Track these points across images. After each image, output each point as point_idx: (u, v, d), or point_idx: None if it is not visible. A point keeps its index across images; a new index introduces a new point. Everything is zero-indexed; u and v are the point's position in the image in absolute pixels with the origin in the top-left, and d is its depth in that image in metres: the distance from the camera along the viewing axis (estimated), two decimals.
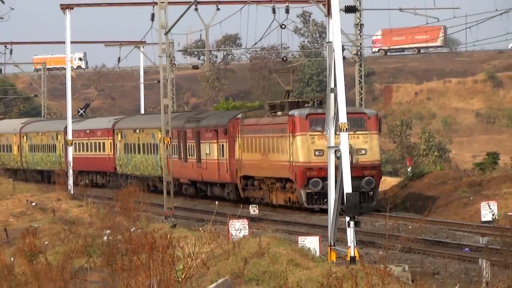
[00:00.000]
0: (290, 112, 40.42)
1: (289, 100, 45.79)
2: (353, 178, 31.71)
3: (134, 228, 35.84)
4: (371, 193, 38.28)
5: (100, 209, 50.22)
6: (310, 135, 36.60)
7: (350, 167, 27.04)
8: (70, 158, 67.94)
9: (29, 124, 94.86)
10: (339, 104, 27.32)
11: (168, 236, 22.42)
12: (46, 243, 35.01)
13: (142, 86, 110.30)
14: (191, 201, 63.14)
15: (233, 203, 48.50)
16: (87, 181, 71.36)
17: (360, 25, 56.34)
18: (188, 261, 21.10)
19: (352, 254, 26.08)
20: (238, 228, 32.42)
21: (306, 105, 43.54)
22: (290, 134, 38.96)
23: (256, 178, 47.92)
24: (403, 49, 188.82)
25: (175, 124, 57.64)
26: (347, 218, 26.71)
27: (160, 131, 56.17)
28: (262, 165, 45.30)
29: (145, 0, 64.65)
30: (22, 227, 41.03)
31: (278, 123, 42.91)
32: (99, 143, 74.40)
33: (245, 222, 35.20)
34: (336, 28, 26.92)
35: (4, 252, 29.18)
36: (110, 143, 72.16)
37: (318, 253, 29.10)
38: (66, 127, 71.44)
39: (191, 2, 53.01)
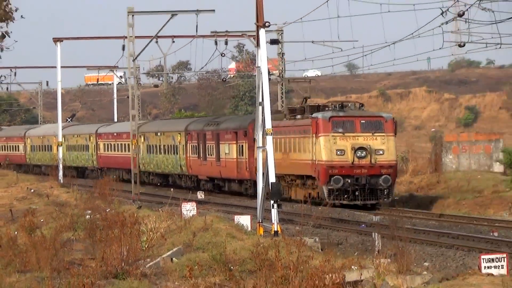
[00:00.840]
0: (314, 115, 41.79)
1: (310, 105, 47.58)
2: (371, 176, 35.57)
3: (109, 209, 42.70)
4: (387, 190, 39.41)
5: (83, 194, 59.13)
6: (333, 136, 37.71)
7: (369, 167, 33.53)
8: (60, 155, 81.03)
9: (67, 128, 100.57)
10: (265, 114, 34.84)
11: (135, 215, 29.36)
12: (42, 220, 41.99)
13: (115, 100, 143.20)
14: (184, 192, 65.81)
15: (250, 197, 51.12)
16: (114, 176, 74.91)
17: (282, 53, 77.94)
18: (150, 234, 28.78)
19: (276, 229, 34.32)
20: (189, 209, 39.88)
21: (326, 108, 45.21)
22: (314, 135, 40.23)
23: (276, 175, 48.81)
24: None
25: (195, 127, 66.24)
26: (272, 202, 34.57)
27: (180, 134, 67.39)
28: (282, 163, 45.35)
29: (118, 34, 78.33)
30: (23, 208, 49.31)
31: (301, 125, 44.55)
32: (125, 144, 79.01)
33: (193, 204, 43.55)
34: (263, 56, 35.79)
35: (9, 227, 35.97)
36: (135, 144, 71.60)
37: (249, 228, 36.63)
38: (97, 130, 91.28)
39: (153, 36, 68.26)
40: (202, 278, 21.63)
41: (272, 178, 36.27)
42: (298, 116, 47.80)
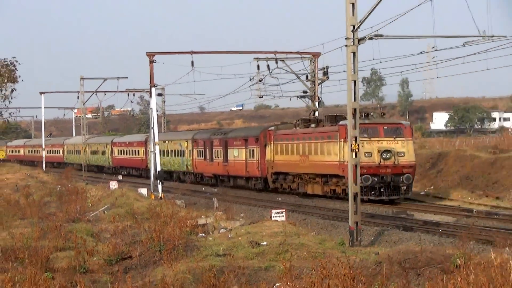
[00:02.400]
0: (341, 122, 43.97)
1: (329, 114, 52.92)
2: (394, 175, 38.60)
3: (70, 185, 73.19)
4: (407, 187, 42.58)
5: (56, 177, 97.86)
6: (360, 140, 37.13)
7: (393, 167, 37.31)
8: (43, 155, 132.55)
9: (90, 139, 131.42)
10: (154, 133, 65.12)
11: (84, 188, 63.74)
12: (33, 191, 70.27)
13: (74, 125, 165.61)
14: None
15: (258, 191, 58.86)
16: (125, 172, 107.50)
17: (163, 101, 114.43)
18: (92, 198, 55.58)
19: (160, 196, 59.17)
20: (113, 185, 66.51)
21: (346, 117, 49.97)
22: (342, 139, 42.60)
23: (291, 173, 55.89)
24: None
25: (201, 137, 78.61)
26: (158, 180, 61.86)
27: (187, 141, 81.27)
28: (300, 164, 52.14)
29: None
30: (23, 184, 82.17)
31: (324, 131, 48.81)
32: (136, 150, 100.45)
33: (115, 182, 69.63)
34: (153, 103, 67.01)
35: (15, 195, 64.33)
36: (143, 150, 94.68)
37: (146, 195, 61.59)
38: (112, 140, 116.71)
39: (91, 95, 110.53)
40: (120, 222, 39.75)
41: (158, 168, 64.35)
42: (313, 125, 54.19)
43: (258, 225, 36.59)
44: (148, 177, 77.10)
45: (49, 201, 58.17)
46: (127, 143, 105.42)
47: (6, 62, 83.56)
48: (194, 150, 75.31)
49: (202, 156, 72.46)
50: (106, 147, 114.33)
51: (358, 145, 36.03)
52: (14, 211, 48.05)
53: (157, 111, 74.26)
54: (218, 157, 68.45)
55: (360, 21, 33.00)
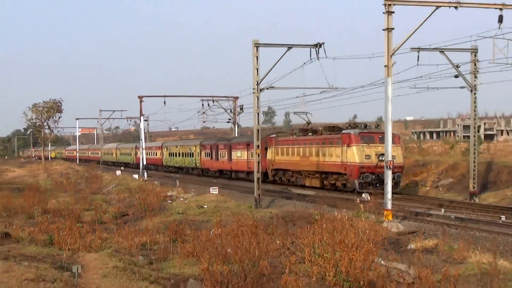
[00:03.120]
0: (345, 131, 48.89)
1: (327, 125, 59.43)
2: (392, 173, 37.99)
3: (93, 172, 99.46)
4: (396, 183, 46.03)
5: (85, 168, 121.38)
6: (362, 145, 44.82)
7: (388, 168, 37.16)
8: (77, 155, 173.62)
9: (120, 144, 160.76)
10: (142, 143, 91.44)
11: (102, 175, 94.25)
12: (71, 176, 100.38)
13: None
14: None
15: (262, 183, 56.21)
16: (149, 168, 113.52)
17: (148, 124, 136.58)
18: (106, 180, 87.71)
19: (146, 179, 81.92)
20: (118, 173, 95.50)
21: (347, 126, 53.59)
22: (345, 145, 47.08)
23: (291, 170, 61.60)
24: None
25: (207, 142, 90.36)
26: (145, 170, 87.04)
27: (195, 146, 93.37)
28: (300, 163, 57.75)
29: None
30: (65, 172, 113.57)
31: (327, 138, 53.40)
32: (155, 152, 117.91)
33: (119, 170, 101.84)
34: (141, 125, 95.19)
35: (60, 178, 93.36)
36: (160, 152, 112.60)
37: (138, 178, 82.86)
38: (136, 146, 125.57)
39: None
40: (122, 194, 59.72)
41: (145, 163, 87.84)
42: (310, 133, 59.93)
43: (202, 196, 51.91)
44: (163, 170, 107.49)
45: (80, 182, 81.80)
46: (148, 148, 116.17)
47: (56, 101, 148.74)
48: (202, 152, 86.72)
49: (209, 157, 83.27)
50: (132, 150, 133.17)
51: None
52: (59, 187, 71.13)
53: (144, 130, 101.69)
54: (223, 157, 78.09)
55: (261, 79, 46.52)
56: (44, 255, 21.89)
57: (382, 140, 41.63)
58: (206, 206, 44.37)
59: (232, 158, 74.47)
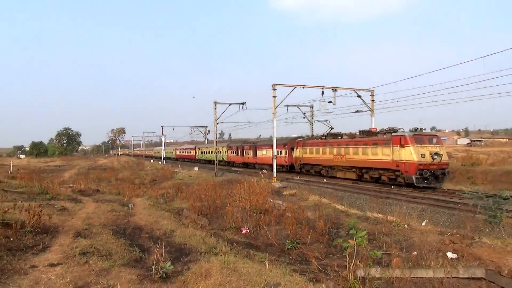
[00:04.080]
0: (398, 133, 30.36)
1: (360, 130, 35.29)
2: (439, 169, 27.83)
3: (139, 161, 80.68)
4: (445, 177, 29.00)
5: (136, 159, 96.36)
6: (417, 146, 28.27)
7: (437, 164, 28.07)
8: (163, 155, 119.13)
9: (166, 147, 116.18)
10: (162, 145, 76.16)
11: (144, 162, 67.48)
12: (130, 163, 75.34)
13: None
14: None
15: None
16: (183, 161, 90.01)
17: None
18: (147, 164, 62.22)
19: (164, 163, 67.77)
20: (152, 161, 73.71)
21: (385, 130, 32.65)
22: (398, 145, 29.24)
23: (320, 165, 38.69)
24: None
25: (234, 144, 63.77)
26: (165, 160, 73.38)
27: (223, 147, 65.28)
28: (334, 160, 36.08)
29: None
30: (126, 161, 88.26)
31: (379, 139, 31.41)
32: (190, 151, 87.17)
33: (152, 160, 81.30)
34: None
35: (124, 164, 71.49)
36: (194, 151, 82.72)
37: (162, 164, 64.78)
38: (176, 147, 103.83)
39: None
40: (153, 170, 52.45)
41: (164, 156, 76.26)
42: (345, 136, 36.75)
43: (190, 172, 48.50)
44: (195, 163, 75.70)
45: (133, 165, 69.20)
46: (184, 147, 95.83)
47: (122, 128, 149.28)
48: (228, 151, 63.18)
49: (235, 154, 60.30)
50: (172, 150, 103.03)
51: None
52: (124, 168, 62.69)
53: (163, 140, 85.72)
54: (248, 155, 55.37)
55: (218, 118, 44.12)
56: (115, 199, 21.40)
57: (430, 141, 28.90)
58: (192, 176, 43.04)
59: (257, 155, 52.90)
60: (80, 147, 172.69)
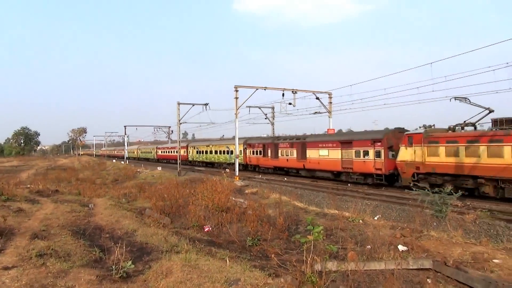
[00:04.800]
0: None
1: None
2: None
3: (102, 161, 74.98)
4: None
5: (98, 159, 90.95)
6: None
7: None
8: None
9: (141, 146, 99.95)
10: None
11: (136, 170, 50.49)
12: (91, 163, 71.60)
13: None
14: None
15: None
16: (166, 162, 74.19)
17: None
18: (109, 164, 57.11)
19: (127, 163, 57.74)
20: (159, 170, 56.89)
21: None
22: None
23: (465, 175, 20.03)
24: None
25: (265, 141, 42.68)
26: (127, 160, 55.51)
27: (240, 145, 44.36)
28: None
29: None
30: (88, 161, 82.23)
31: None
32: (172, 150, 68.69)
33: (114, 160, 74.43)
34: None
35: (85, 164, 67.16)
36: (186, 150, 60.36)
37: (124, 164, 57.59)
38: (157, 146, 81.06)
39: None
40: (115, 170, 49.37)
41: (126, 155, 65.29)
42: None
43: (153, 172, 45.80)
44: (186, 165, 57.67)
45: (95, 165, 65.80)
46: (169, 146, 73.31)
47: (83, 128, 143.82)
48: (247, 149, 43.83)
49: (259, 154, 41.79)
50: (153, 149, 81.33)
51: (181, 150, 46.32)
52: (84, 168, 59.42)
53: (126, 140, 77.05)
54: (287, 155, 36.25)
55: (181, 118, 42.74)
56: (75, 199, 20.76)
57: None
58: (155, 175, 41.51)
59: (308, 156, 34.34)
60: (38, 147, 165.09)
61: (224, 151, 50.25)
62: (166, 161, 71.28)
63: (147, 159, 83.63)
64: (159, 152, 76.44)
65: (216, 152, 52.25)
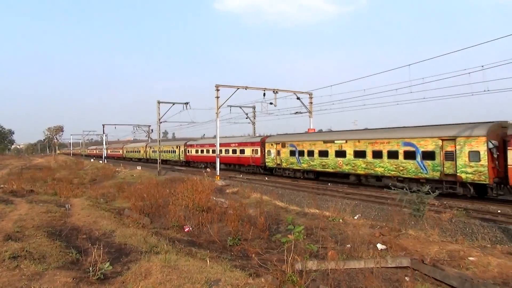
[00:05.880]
0: None
1: None
2: None
3: (79, 160, 72.93)
4: None
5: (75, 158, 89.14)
6: None
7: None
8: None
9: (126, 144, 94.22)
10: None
11: (116, 170, 49.68)
12: (68, 162, 66.86)
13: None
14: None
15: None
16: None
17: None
18: (86, 164, 56.43)
19: (105, 162, 53.72)
20: (138, 168, 58.00)
21: None
22: None
23: None
24: None
25: (195, 142, 52.39)
26: (105, 160, 55.05)
27: (178, 146, 55.74)
28: None
29: None
30: (64, 160, 77.84)
31: None
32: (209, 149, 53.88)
33: (92, 159, 76.03)
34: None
35: (62, 163, 64.29)
36: (182, 149, 55.10)
37: (103, 163, 56.33)
38: (146, 144, 73.60)
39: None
40: (92, 170, 48.54)
41: (105, 155, 61.72)
42: None
43: (133, 171, 45.31)
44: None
45: (72, 165, 61.98)
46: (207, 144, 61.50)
47: (59, 127, 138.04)
48: (186, 149, 48.31)
49: (193, 153, 46.42)
50: (177, 148, 60.28)
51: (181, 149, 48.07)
52: (61, 167, 55.36)
53: (104, 139, 75.54)
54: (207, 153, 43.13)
55: (161, 117, 42.47)
56: (51, 200, 20.30)
57: None
58: (134, 175, 40.78)
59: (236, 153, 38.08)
60: (13, 146, 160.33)
61: (170, 151, 58.87)
62: (204, 165, 48.65)
63: (165, 161, 59.81)
64: (192, 152, 52.71)
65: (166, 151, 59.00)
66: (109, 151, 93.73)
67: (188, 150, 53.69)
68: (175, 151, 57.83)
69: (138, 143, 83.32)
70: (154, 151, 65.98)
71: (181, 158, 55.90)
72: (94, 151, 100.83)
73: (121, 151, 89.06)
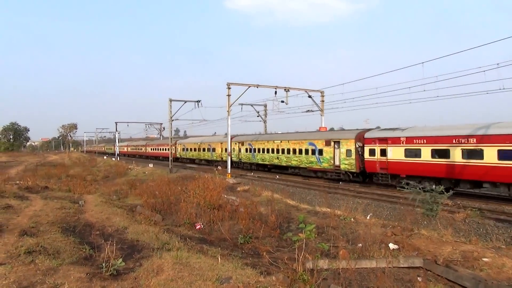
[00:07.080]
0: None
1: None
2: None
3: (92, 158, 72.22)
4: None
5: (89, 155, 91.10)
6: None
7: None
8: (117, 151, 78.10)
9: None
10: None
11: (128, 167, 52.13)
12: (82, 159, 67.50)
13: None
14: None
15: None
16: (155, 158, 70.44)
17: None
18: (99, 160, 53.63)
19: (118, 159, 47.22)
20: (150, 166, 56.41)
21: None
22: None
23: None
24: None
25: (188, 141, 55.69)
26: (118, 156, 52.39)
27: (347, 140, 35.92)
28: None
29: None
30: (78, 158, 78.80)
31: None
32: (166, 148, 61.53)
33: (105, 156, 73.22)
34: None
35: (76, 160, 64.72)
36: (174, 148, 57.07)
37: (115, 160, 54.01)
38: (146, 144, 75.15)
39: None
40: (106, 167, 48.90)
41: (118, 152, 60.98)
42: None
43: (145, 168, 45.14)
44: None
45: (85, 162, 62.57)
46: (157, 144, 66.47)
47: (73, 124, 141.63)
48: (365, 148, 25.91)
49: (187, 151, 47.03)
50: (143, 146, 72.77)
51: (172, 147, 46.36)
52: (75, 164, 55.69)
53: (117, 136, 74.91)
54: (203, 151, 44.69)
55: (173, 115, 42.35)
56: (65, 196, 20.57)
57: None
58: (146, 172, 41.16)
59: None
60: (28, 143, 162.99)
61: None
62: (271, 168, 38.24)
63: (240, 165, 42.21)
64: (149, 149, 61.73)
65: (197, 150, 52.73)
66: (129, 149, 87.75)
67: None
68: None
69: (204, 137, 58.18)
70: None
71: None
72: (125, 149, 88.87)
73: (143, 148, 75.18)
